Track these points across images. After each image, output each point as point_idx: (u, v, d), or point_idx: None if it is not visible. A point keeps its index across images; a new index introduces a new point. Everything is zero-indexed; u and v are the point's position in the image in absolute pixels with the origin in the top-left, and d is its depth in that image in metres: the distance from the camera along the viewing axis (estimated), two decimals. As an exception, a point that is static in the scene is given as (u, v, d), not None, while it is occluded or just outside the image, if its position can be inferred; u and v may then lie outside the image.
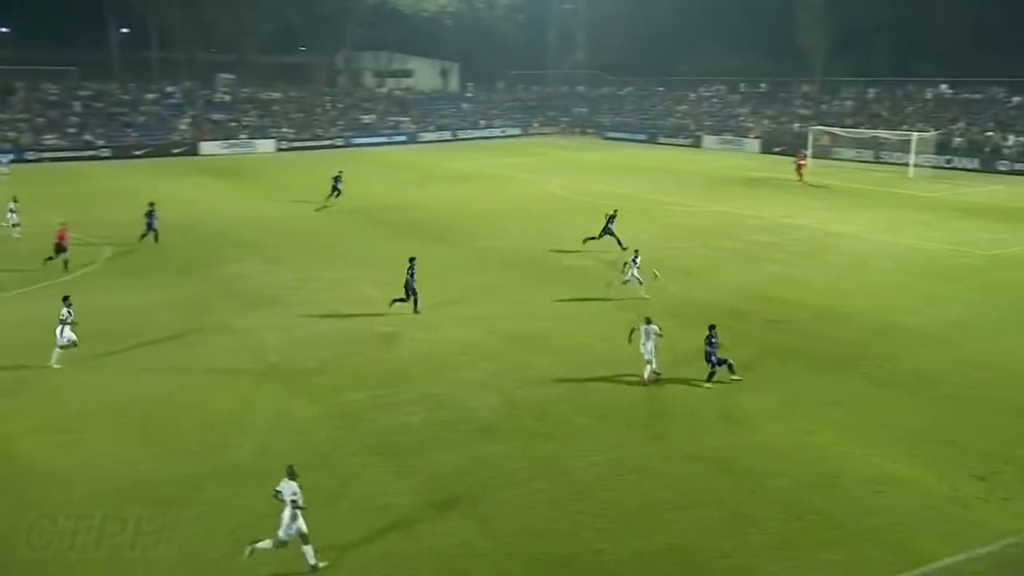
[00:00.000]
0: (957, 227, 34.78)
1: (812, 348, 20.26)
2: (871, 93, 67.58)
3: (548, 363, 19.39)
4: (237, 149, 69.00)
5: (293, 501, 11.45)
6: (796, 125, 66.61)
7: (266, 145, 70.31)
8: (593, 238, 30.07)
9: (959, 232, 33.69)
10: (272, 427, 16.16)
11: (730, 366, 18.07)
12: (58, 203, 39.65)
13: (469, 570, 11.81)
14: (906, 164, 52.67)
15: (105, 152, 63.59)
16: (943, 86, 63.41)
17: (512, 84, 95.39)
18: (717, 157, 63.75)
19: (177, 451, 15.21)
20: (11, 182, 45.59)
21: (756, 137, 67.95)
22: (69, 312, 18.85)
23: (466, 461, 14.77)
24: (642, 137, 76.61)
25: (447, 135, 79.77)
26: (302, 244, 32.20)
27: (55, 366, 18.75)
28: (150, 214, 31.72)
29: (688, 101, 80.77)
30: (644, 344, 18.02)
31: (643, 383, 17.87)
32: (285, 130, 73.31)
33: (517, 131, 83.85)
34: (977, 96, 61.22)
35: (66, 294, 19.61)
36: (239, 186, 49.44)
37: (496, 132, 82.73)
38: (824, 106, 69.04)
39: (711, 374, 17.96)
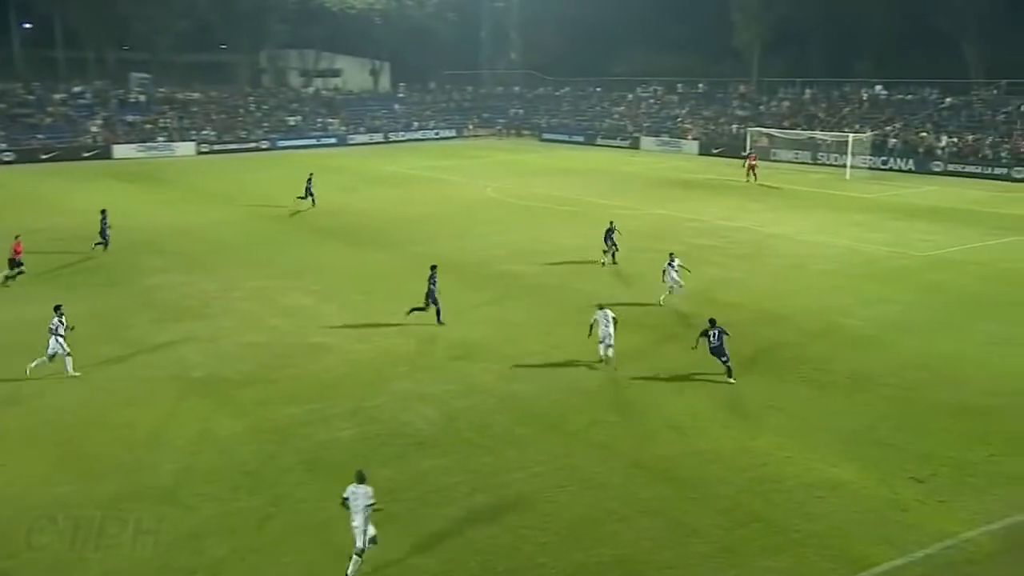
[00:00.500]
0: (893, 228, 36.10)
1: (753, 351, 20.73)
2: (807, 94, 69.62)
3: (488, 372, 19.44)
4: (154, 152, 67.41)
5: (369, 505, 11.70)
6: (734, 126, 68.18)
7: (185, 148, 68.86)
8: (605, 252, 29.48)
9: (895, 233, 34.97)
10: (195, 445, 15.83)
11: (728, 368, 18.84)
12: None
13: (408, 589, 11.76)
14: (843, 165, 54.44)
15: (8, 156, 61.59)
16: (878, 87, 65.73)
17: (445, 84, 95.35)
18: (655, 159, 64.78)
19: (96, 472, 14.80)
20: None
21: (694, 139, 69.25)
22: (60, 322, 18.86)
23: (403, 476, 14.70)
24: (579, 139, 77.39)
25: (379, 137, 79.31)
26: (226, 252, 31.65)
27: (29, 373, 18.71)
28: (103, 221, 31.52)
29: (625, 102, 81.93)
30: (604, 329, 19.39)
31: (606, 365, 19.36)
32: (206, 132, 71.88)
33: (451, 133, 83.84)
34: (911, 97, 63.66)
35: (58, 303, 19.54)
36: (157, 191, 48.26)
37: (430, 134, 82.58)
38: (762, 107, 70.83)
39: (728, 369, 18.71)
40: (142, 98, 75.14)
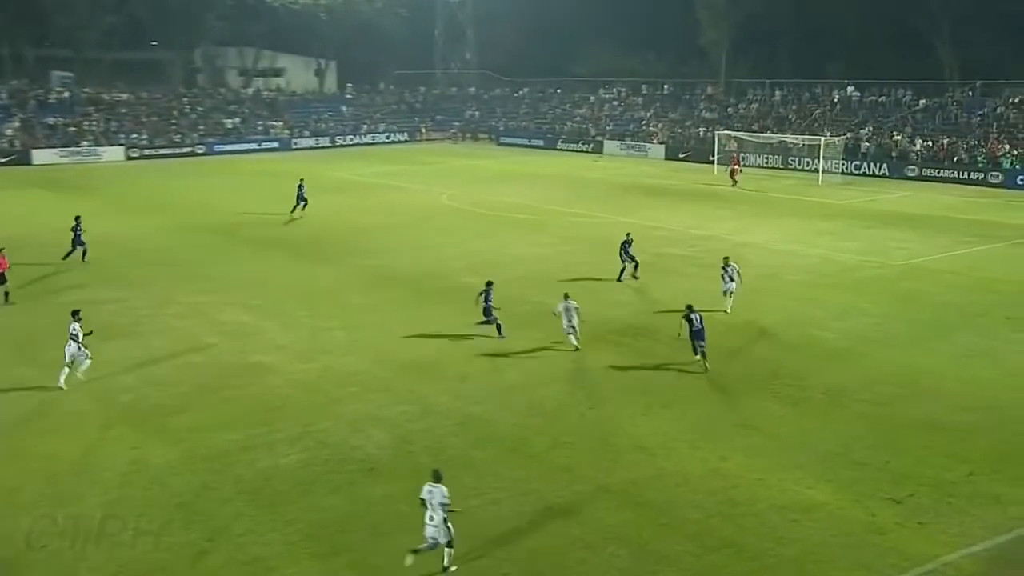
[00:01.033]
0: (868, 236, 36.86)
1: (724, 367, 20.94)
2: (777, 95, 70.90)
3: (443, 392, 19.41)
4: (79, 158, 66.39)
5: (444, 505, 12.48)
6: (701, 129, 69.15)
7: (113, 153, 67.93)
8: (623, 270, 29.05)
9: (870, 241, 35.70)
10: (124, 476, 15.55)
11: (701, 351, 20.65)
12: None
13: (358, 628, 11.65)
14: (815, 170, 55.53)
15: (-90, 160, 60.19)
16: (850, 88, 67.19)
17: (397, 85, 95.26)
18: (619, 164, 65.35)
19: (14, 507, 14.46)
20: None
21: (660, 142, 70.06)
22: (80, 327, 19.57)
23: (352, 505, 14.58)
24: (539, 143, 77.84)
25: (325, 141, 79.00)
26: (157, 265, 31.21)
27: (62, 384, 19.41)
28: (76, 228, 31.31)
29: (588, 104, 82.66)
30: (569, 320, 21.71)
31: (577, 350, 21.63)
32: (135, 136, 70.92)
33: (403, 137, 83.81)
34: (884, 99, 65.17)
35: (76, 308, 20.24)
36: (82, 200, 47.36)
37: (380, 138, 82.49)
38: (730, 109, 71.94)
39: (704, 354, 20.54)
40: (65, 94, 73.93)
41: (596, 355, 21.85)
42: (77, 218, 31.85)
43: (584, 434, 17.37)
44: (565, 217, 41.65)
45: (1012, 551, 13.43)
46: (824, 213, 42.88)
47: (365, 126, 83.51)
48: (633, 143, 71.83)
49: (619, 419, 18.03)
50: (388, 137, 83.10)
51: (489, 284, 23.25)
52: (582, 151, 73.40)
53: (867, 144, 59.23)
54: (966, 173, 53.74)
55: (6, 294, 26.64)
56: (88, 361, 19.77)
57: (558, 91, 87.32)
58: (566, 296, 22.17)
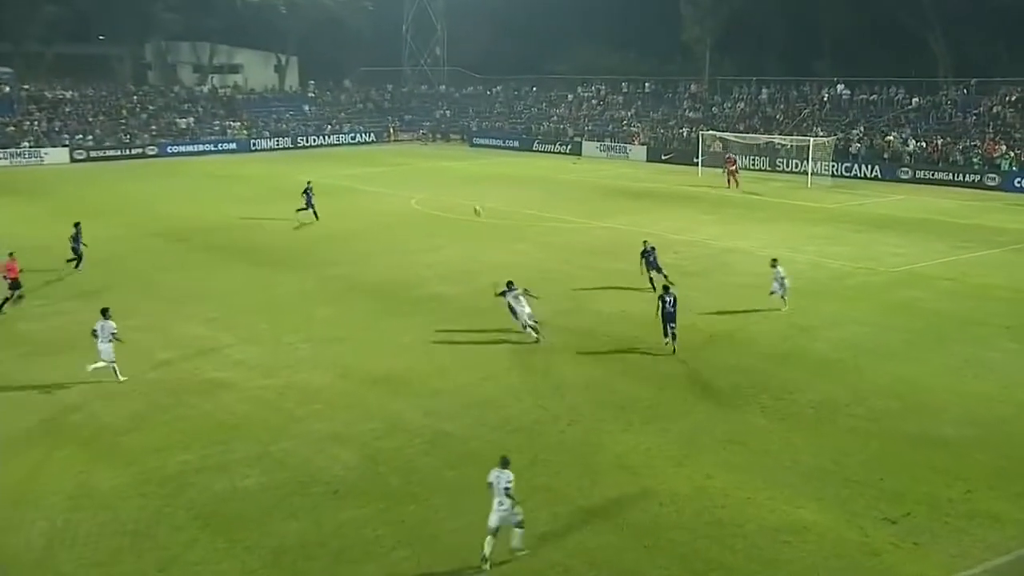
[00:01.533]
0: (859, 241, 37.27)
1: (709, 379, 21.10)
2: (764, 94, 71.59)
3: (414, 409, 19.39)
4: (18, 160, 65.85)
5: (507, 490, 13.45)
6: (685, 129, 69.67)
7: (57, 155, 67.43)
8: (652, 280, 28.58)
9: (861, 247, 36.10)
10: (71, 501, 15.39)
11: (669, 331, 22.56)
12: None
13: (323, 661, 11.59)
14: (804, 172, 56.09)
15: None
16: (840, 86, 67.99)
17: (363, 83, 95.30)
18: (599, 166, 65.68)
19: (-54, 539, 14.25)
20: None
21: (642, 143, 70.48)
22: (106, 324, 20.61)
23: (316, 530, 14.52)
24: (514, 144, 78.10)
25: (286, 142, 78.88)
26: (106, 275, 30.94)
27: (121, 378, 20.72)
28: (75, 237, 31.49)
29: (565, 103, 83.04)
30: (521, 309, 23.18)
31: (540, 341, 23.13)
32: (81, 137, 70.33)
33: (370, 137, 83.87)
34: (875, 97, 65.99)
35: (105, 307, 21.27)
36: (20, 205, 46.90)
37: (345, 138, 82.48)
38: (715, 108, 72.54)
39: (673, 335, 22.56)
40: (4, 93, 73.20)
41: (575, 368, 21.91)
42: (77, 225, 31.94)
43: (563, 452, 17.41)
44: (542, 222, 41.74)
45: (1012, 572, 13.60)
46: (813, 217, 43.29)
47: (329, 126, 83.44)
48: (613, 144, 72.20)
49: (600, 435, 18.09)
50: (354, 138, 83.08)
51: (509, 284, 23.91)
52: (560, 152, 73.68)
53: (858, 145, 59.93)
54: (962, 175, 54.47)
55: (18, 298, 26.97)
56: (103, 364, 20.64)
57: (534, 89, 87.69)
58: (509, 285, 23.65)
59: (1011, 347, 23.62)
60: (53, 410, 19.29)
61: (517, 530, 13.71)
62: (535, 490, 15.84)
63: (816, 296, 28.63)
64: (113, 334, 20.69)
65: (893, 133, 60.61)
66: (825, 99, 67.94)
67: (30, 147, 66.99)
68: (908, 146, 58.55)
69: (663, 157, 67.14)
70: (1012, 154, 54.17)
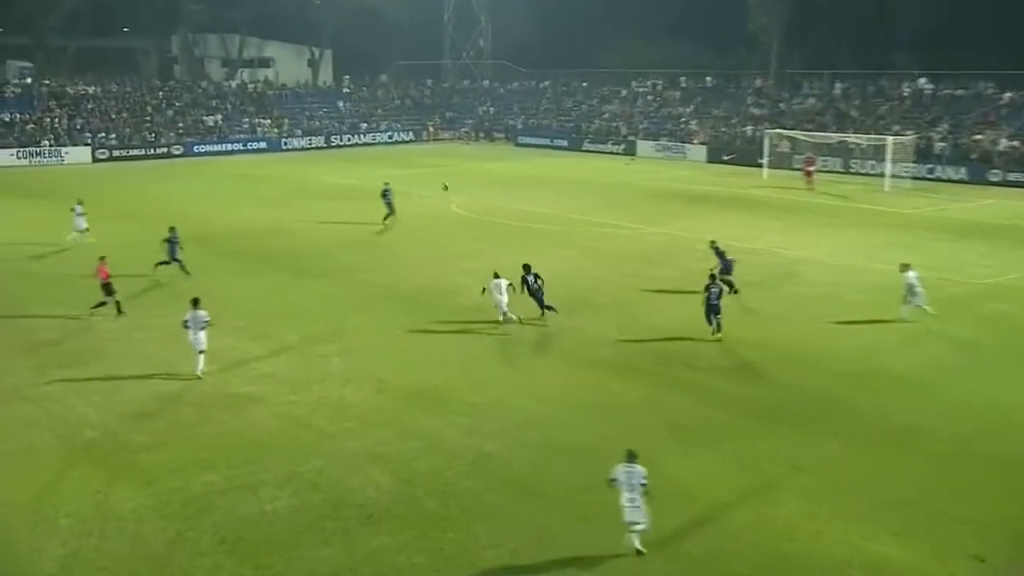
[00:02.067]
0: (942, 251, 36.67)
1: (775, 400, 20.87)
2: (837, 89, 70.89)
3: (453, 427, 19.42)
4: (38, 160, 67.31)
5: (643, 485, 14.31)
6: (749, 128, 69.21)
7: (78, 154, 68.80)
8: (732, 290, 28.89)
9: (944, 256, 35.51)
10: (87, 524, 15.59)
11: (712, 322, 24.66)
12: None
13: None
14: (881, 174, 55.36)
15: None
16: (922, 80, 67.05)
17: (401, 78, 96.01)
18: (654, 167, 65.42)
19: (-42, 560, 14.53)
20: None
21: (701, 143, 70.18)
22: (197, 314, 22.17)
23: (348, 557, 14.57)
24: (562, 143, 78.18)
25: (319, 141, 79.76)
26: (127, 280, 31.37)
27: (199, 374, 22.06)
28: (171, 240, 32.11)
29: (618, 99, 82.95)
30: (499, 297, 25.74)
31: (506, 323, 25.70)
32: (103, 135, 71.68)
33: (408, 136, 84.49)
34: (962, 92, 64.93)
35: (196, 296, 22.88)
36: (39, 207, 47.91)
37: (381, 137, 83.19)
38: (782, 105, 71.99)
39: (718, 325, 24.67)
40: (24, 89, 74.78)
41: (626, 385, 21.81)
42: (172, 228, 32.48)
43: (615, 476, 17.30)
44: (591, 227, 41.66)
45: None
46: (891, 223, 42.71)
47: (365, 124, 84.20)
48: (670, 143, 71.98)
49: (654, 459, 17.85)
50: (391, 137, 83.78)
51: (526, 267, 26.45)
52: (612, 153, 73.60)
53: (942, 144, 59.04)
54: (1060, 178, 53.43)
55: (117, 304, 27.52)
56: (201, 353, 22.21)
57: (584, 84, 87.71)
58: (496, 275, 26.17)
59: (1113, 367, 23.05)
60: (68, 426, 19.57)
61: (634, 533, 14.38)
62: (583, 518, 15.77)
63: (893, 310, 28.19)
64: (207, 322, 22.33)
65: (982, 131, 59.57)
66: (905, 94, 67.09)
67: (50, 146, 68.35)
68: (998, 146, 57.49)
69: (724, 158, 66.77)
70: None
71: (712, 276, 25.74)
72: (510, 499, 16.43)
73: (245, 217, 42.86)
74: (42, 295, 30.04)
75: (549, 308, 26.56)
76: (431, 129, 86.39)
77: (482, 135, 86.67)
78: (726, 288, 26.91)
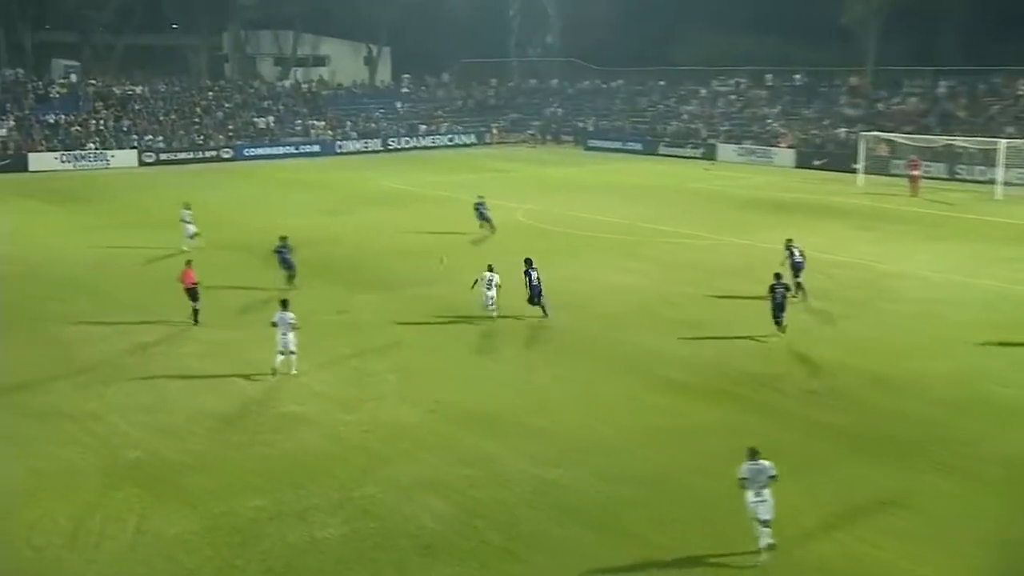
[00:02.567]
0: (1058, 266, 35.79)
1: (868, 428, 20.54)
2: (942, 87, 69.64)
3: (514, 452, 19.43)
4: (84, 163, 68.79)
5: (772, 477, 15.32)
6: (842, 130, 68.34)
7: (124, 157, 70.23)
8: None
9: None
10: (129, 549, 15.89)
11: (779, 322, 26.39)
12: None
13: None
14: (991, 181, 54.21)
15: None
16: (1039, 77, 65.60)
17: (463, 76, 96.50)
18: (736, 172, 64.93)
19: (-4, 584, 14.92)
20: None
21: (789, 146, 69.48)
22: (285, 315, 23.76)
23: (402, 590, 14.66)
24: (636, 146, 77.95)
25: (375, 144, 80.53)
26: (168, 292, 31.91)
27: (293, 372, 23.75)
28: (281, 250, 32.73)
29: (697, 99, 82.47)
30: (487, 292, 28.17)
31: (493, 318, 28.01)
32: (151, 138, 73.17)
33: (470, 139, 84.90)
34: (1086, 89, 63.37)
35: (285, 298, 24.94)
36: (83, 214, 49.13)
37: (442, 140, 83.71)
38: (880, 105, 70.99)
39: (781, 324, 26.42)
40: (69, 89, 76.50)
41: (704, 409, 21.63)
42: (283, 238, 33.04)
43: (691, 507, 17.19)
44: (665, 238, 41.46)
45: None
46: (1002, 235, 41.82)
47: (424, 126, 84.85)
48: (755, 147, 71.39)
49: (735, 489, 17.72)
50: (451, 140, 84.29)
51: (527, 262, 28.57)
52: (690, 157, 73.14)
53: (1061, 148, 57.61)
54: None
55: (195, 312, 28.37)
56: (294, 356, 23.82)
57: (661, 83, 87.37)
58: (490, 268, 28.59)
59: None
60: (110, 445, 19.95)
61: (766, 528, 15.17)
62: (656, 553, 15.67)
63: (1003, 331, 27.59)
64: (291, 323, 23.66)
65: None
66: (1020, 92, 65.62)
67: (96, 149, 69.88)
68: None
69: (815, 163, 65.99)
70: None
71: (777, 276, 27.02)
72: (576, 531, 16.38)
73: (297, 224, 43.33)
74: (82, 307, 30.72)
75: (537, 304, 28.50)
76: (494, 132, 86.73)
77: (549, 138, 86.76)
78: (792, 289, 28.59)
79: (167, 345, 26.72)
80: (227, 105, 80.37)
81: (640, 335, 27.16)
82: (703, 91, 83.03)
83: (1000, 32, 73.30)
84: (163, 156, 71.58)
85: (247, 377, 23.95)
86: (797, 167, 66.80)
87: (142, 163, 70.37)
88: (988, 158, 55.84)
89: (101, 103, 75.29)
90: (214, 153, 73.58)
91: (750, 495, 15.27)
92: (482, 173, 64.77)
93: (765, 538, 15.12)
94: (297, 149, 77.05)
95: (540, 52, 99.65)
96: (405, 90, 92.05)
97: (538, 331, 27.92)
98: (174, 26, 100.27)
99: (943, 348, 26.02)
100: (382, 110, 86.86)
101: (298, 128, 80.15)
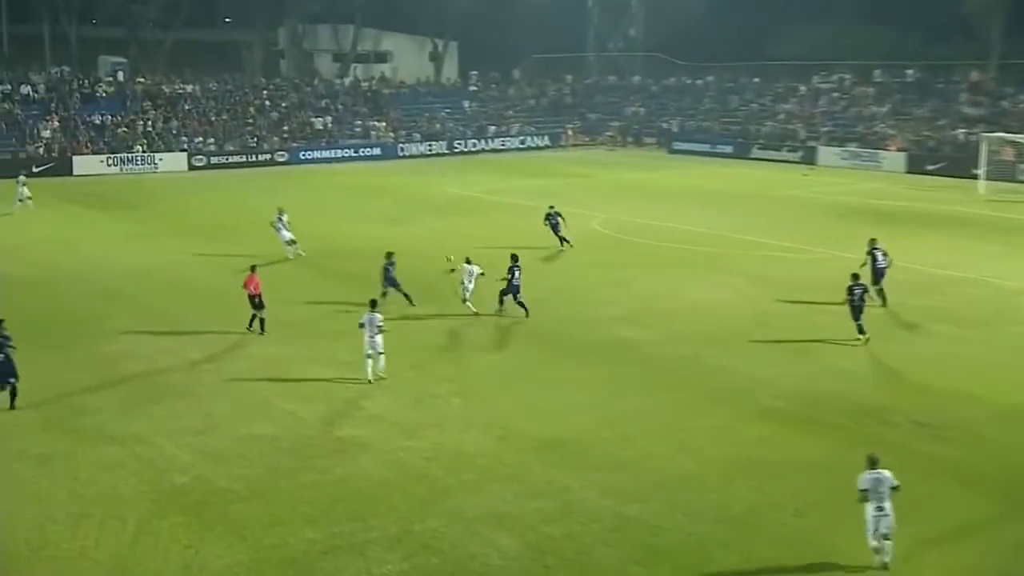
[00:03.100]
0: None
1: (988, 465, 20.14)
2: (1078, 82, 68.22)
3: (590, 485, 19.35)
4: (130, 167, 70.14)
5: (894, 488, 15.95)
6: (961, 131, 67.18)
7: (173, 160, 71.46)
8: None
9: None
10: (175, 582, 16.14)
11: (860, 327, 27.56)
12: None
13: None
14: None
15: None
16: None
17: (536, 73, 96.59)
18: (839, 178, 64.24)
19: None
20: None
21: (900, 149, 68.49)
22: (374, 316, 25.06)
23: (466, 634, 14.68)
24: (726, 149, 77.50)
25: (441, 147, 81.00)
26: (221, 305, 32.41)
27: (369, 380, 24.78)
28: (388, 267, 32.54)
29: (796, 97, 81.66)
30: (466, 284, 30.67)
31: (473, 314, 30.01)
32: (201, 140, 74.40)
33: (543, 141, 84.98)
34: None
35: (374, 298, 26.96)
36: (130, 221, 50.11)
37: (513, 143, 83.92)
38: (1004, 103, 69.77)
39: (862, 329, 27.65)
40: (116, 88, 78.02)
41: (803, 441, 21.35)
42: (390, 255, 32.99)
43: (786, 550, 16.97)
44: (759, 250, 41.11)
45: None
46: None
47: (494, 127, 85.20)
48: (860, 150, 70.53)
49: (836, 532, 17.49)
50: (523, 142, 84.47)
51: (514, 258, 30.81)
52: (786, 161, 72.60)
53: None
54: None
55: (261, 322, 29.22)
56: (382, 357, 25.02)
57: (755, 80, 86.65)
58: (468, 260, 30.99)
59: None
60: (155, 470, 20.22)
61: (887, 542, 15.75)
62: (748, 599, 15.50)
63: None
64: (379, 326, 24.87)
65: None
66: None
67: (143, 151, 71.16)
68: None
69: (929, 168, 64.95)
70: None
71: (854, 276, 28.34)
72: (658, 573, 16.26)
73: (355, 234, 43.83)
74: (127, 320, 31.25)
75: (502, 304, 30.90)
76: (570, 133, 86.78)
77: (630, 140, 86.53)
78: (871, 291, 30.04)
79: (216, 362, 27.11)
80: (282, 105, 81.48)
81: (730, 358, 26.90)
82: (802, 88, 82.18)
83: None
84: (214, 159, 72.77)
85: (301, 397, 24.22)
86: (908, 172, 65.85)
87: (192, 167, 71.52)
88: None
89: (150, 102, 76.65)
90: (268, 156, 74.61)
91: (871, 508, 15.76)
92: (556, 178, 64.79)
93: (884, 555, 15.70)
94: (356, 152, 77.83)
95: (621, 46, 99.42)
96: (473, 88, 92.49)
97: (617, 352, 27.80)
98: (227, 20, 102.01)
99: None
100: (448, 110, 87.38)
101: (358, 129, 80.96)
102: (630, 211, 51.08)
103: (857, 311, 27.70)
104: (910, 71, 77.54)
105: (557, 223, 41.81)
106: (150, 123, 74.36)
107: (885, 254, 31.65)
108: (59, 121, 72.20)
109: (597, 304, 32.62)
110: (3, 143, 69.17)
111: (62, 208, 53.43)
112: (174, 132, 74.46)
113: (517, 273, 30.64)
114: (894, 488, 15.93)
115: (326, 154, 76.59)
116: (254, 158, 74.02)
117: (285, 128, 78.46)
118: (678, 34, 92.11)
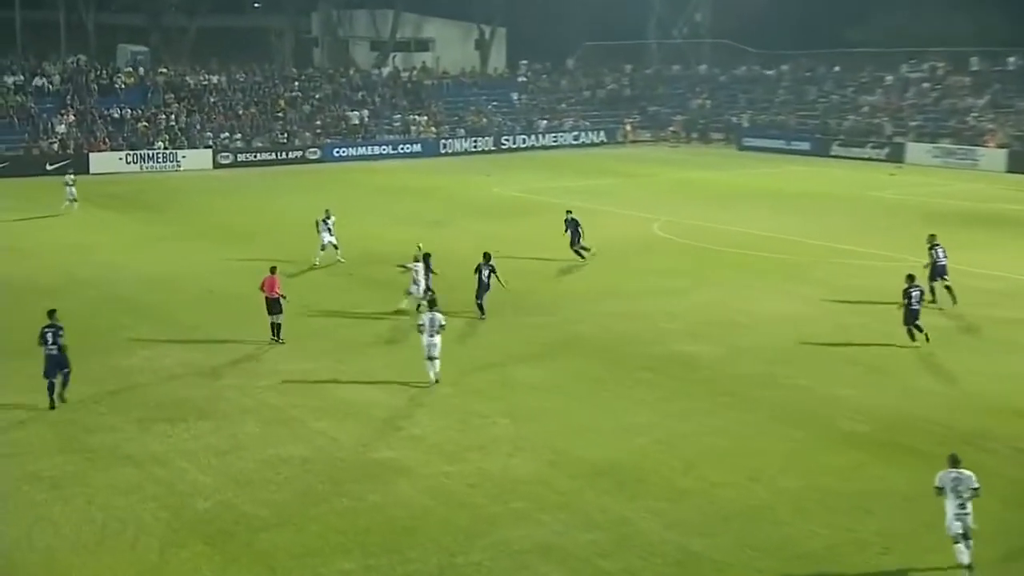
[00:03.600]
0: None
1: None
2: None
3: (649, 516, 19.28)
4: (151, 164, 70.84)
5: (975, 490, 16.55)
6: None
7: (197, 158, 72.09)
8: None
9: None
10: (196, 616, 16.23)
11: (919, 328, 28.47)
12: None
13: None
14: None
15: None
16: None
17: (591, 63, 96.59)
18: (929, 178, 63.86)
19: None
20: None
21: (999, 146, 67.83)
22: (435, 316, 25.93)
23: None
24: (803, 146, 77.18)
25: (487, 143, 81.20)
26: (244, 315, 32.56)
27: (434, 381, 25.88)
28: (426, 272, 32.98)
29: (882, 88, 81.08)
30: (419, 282, 31.55)
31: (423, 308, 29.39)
32: (227, 136, 74.96)
33: (599, 137, 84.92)
34: None
35: (433, 296, 29.47)
36: (151, 223, 50.60)
37: (566, 139, 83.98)
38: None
39: (915, 332, 28.50)
40: (136, 79, 78.69)
41: (889, 471, 21.11)
42: (427, 256, 33.45)
43: (870, 589, 16.79)
44: (839, 258, 40.86)
45: None
46: None
47: (544, 122, 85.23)
48: (954, 147, 70.05)
49: (926, 571, 17.28)
50: (577, 138, 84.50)
51: (486, 256, 32.21)
52: (871, 159, 72.33)
53: None
54: None
55: (277, 328, 29.61)
56: (436, 361, 25.92)
57: (835, 69, 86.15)
58: (416, 259, 32.51)
59: None
60: (175, 494, 20.31)
61: (968, 540, 16.29)
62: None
63: None
64: (442, 326, 25.85)
65: None
66: None
67: (165, 148, 71.78)
68: None
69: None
70: None
71: (910, 277, 28.90)
72: (726, 614, 16.17)
73: (394, 239, 43.90)
74: (146, 331, 31.51)
75: (480, 307, 31.97)
76: (628, 128, 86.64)
77: (695, 135, 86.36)
78: (936, 288, 31.79)
79: (242, 376, 27.25)
80: (315, 97, 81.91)
81: (806, 376, 26.71)
82: (889, 78, 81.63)
83: None
84: (241, 157, 73.37)
85: (333, 415, 24.29)
86: (1009, 172, 65.40)
87: (217, 165, 72.13)
88: None
89: (172, 95, 77.21)
90: (299, 153, 75.12)
91: (951, 506, 16.40)
92: (613, 177, 64.76)
93: (966, 555, 16.24)
94: (395, 149, 78.18)
95: (685, 32, 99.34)
96: (522, 79, 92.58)
97: (677, 368, 27.67)
98: (256, 5, 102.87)
99: None
100: (495, 103, 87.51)
101: (396, 124, 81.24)
102: (694, 214, 50.92)
103: (915, 315, 28.43)
104: (1011, 59, 76.72)
105: (577, 232, 40.37)
106: (173, 117, 74.97)
107: (946, 253, 32.78)
108: (75, 115, 72.98)
109: (655, 316, 32.47)
110: (15, 138, 70.02)
111: (78, 210, 54.00)
112: (198, 127, 75.07)
113: (486, 272, 31.96)
114: (975, 490, 16.43)
115: (362, 151, 77.05)
116: (284, 155, 74.58)
117: (318, 123, 78.88)
118: (749, 19, 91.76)
